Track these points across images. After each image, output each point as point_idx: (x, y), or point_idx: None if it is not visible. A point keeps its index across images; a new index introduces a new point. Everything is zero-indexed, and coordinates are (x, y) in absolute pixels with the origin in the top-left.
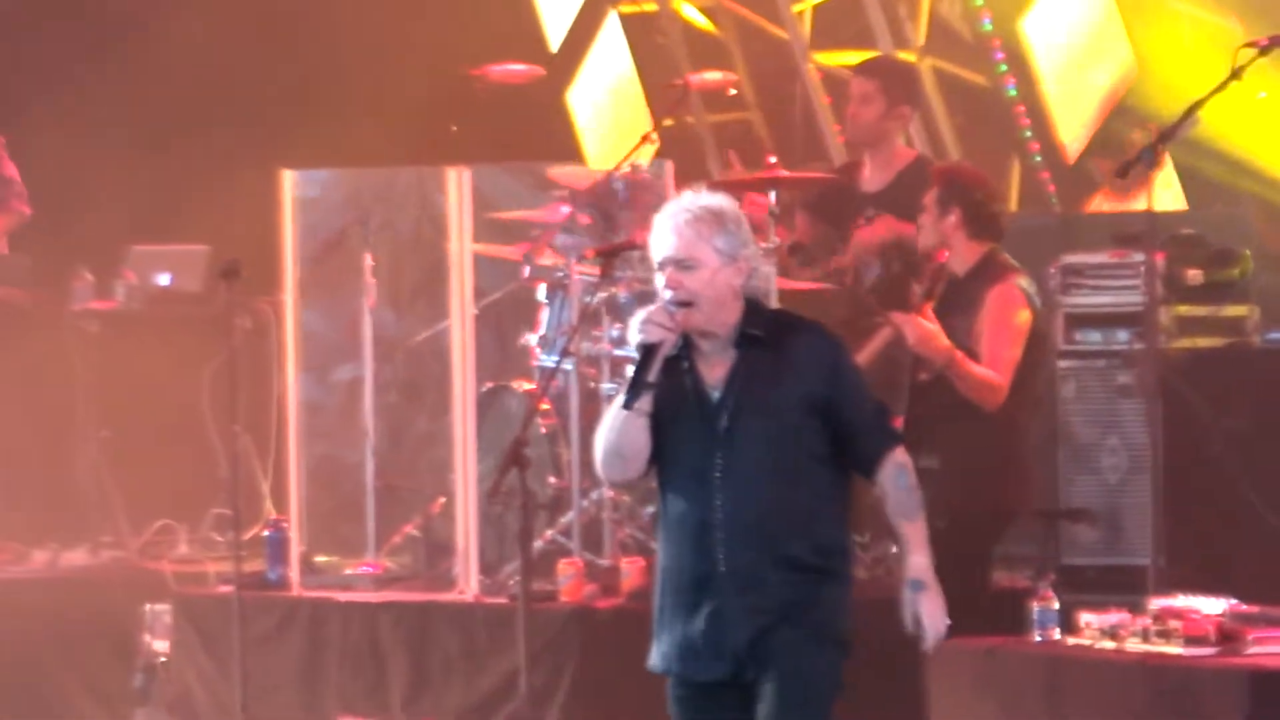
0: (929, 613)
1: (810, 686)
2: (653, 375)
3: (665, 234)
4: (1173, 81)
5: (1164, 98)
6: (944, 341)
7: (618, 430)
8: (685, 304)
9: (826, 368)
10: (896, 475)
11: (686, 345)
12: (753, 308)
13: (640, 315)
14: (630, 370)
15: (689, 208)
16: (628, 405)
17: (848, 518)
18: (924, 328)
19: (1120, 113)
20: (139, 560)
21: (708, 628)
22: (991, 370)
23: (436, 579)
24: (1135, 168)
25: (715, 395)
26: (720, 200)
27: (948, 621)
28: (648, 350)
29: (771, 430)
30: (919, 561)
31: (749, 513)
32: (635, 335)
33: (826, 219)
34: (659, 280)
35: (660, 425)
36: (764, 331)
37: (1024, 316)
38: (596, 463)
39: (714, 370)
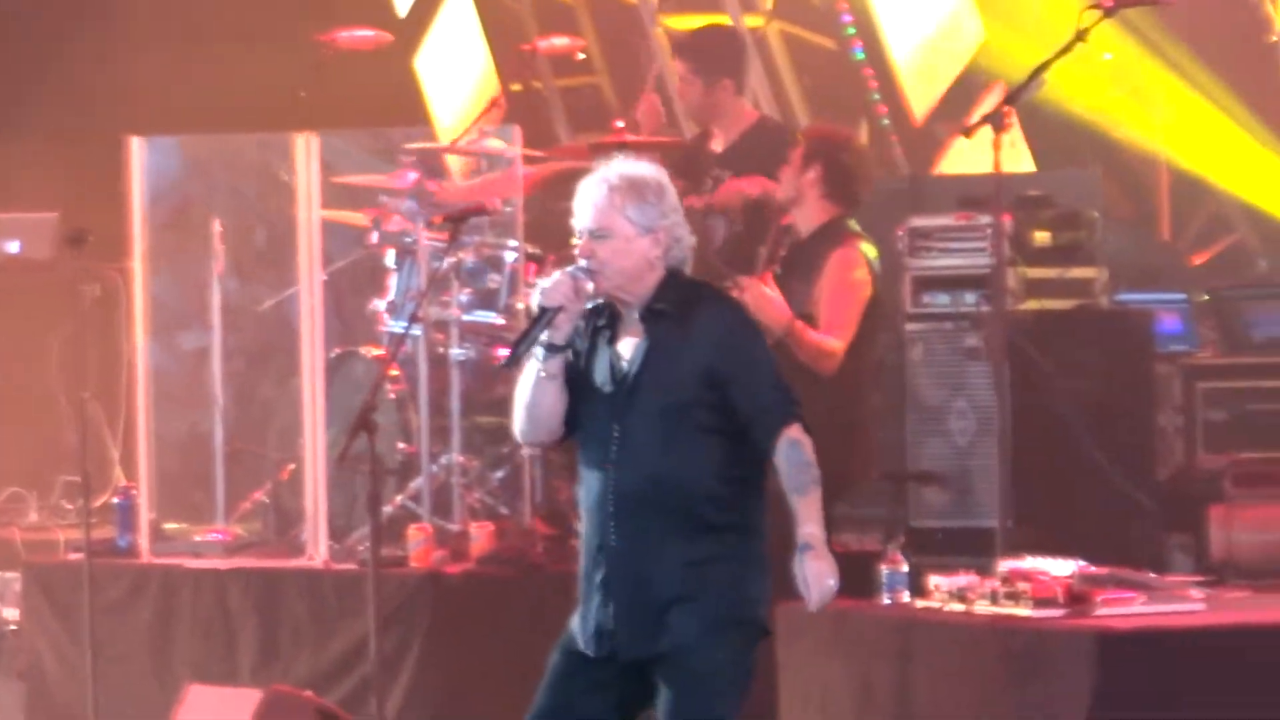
0: (814, 573)
1: (707, 678)
2: (549, 338)
3: (583, 202)
4: (1019, 43)
5: (1011, 60)
6: (783, 309)
7: (529, 392)
8: (590, 272)
9: (725, 341)
10: (789, 450)
11: (613, 315)
12: (670, 279)
13: (548, 279)
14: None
15: (607, 177)
16: (508, 364)
17: (753, 493)
18: (763, 294)
19: (967, 75)
20: None
21: (599, 601)
22: (829, 336)
23: (286, 545)
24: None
25: (623, 365)
26: (643, 170)
27: (835, 583)
28: (543, 313)
29: (667, 404)
30: (809, 529)
31: (638, 486)
32: (536, 296)
33: (686, 180)
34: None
35: (580, 393)
36: (672, 305)
37: (864, 283)
38: (514, 425)
39: (628, 341)
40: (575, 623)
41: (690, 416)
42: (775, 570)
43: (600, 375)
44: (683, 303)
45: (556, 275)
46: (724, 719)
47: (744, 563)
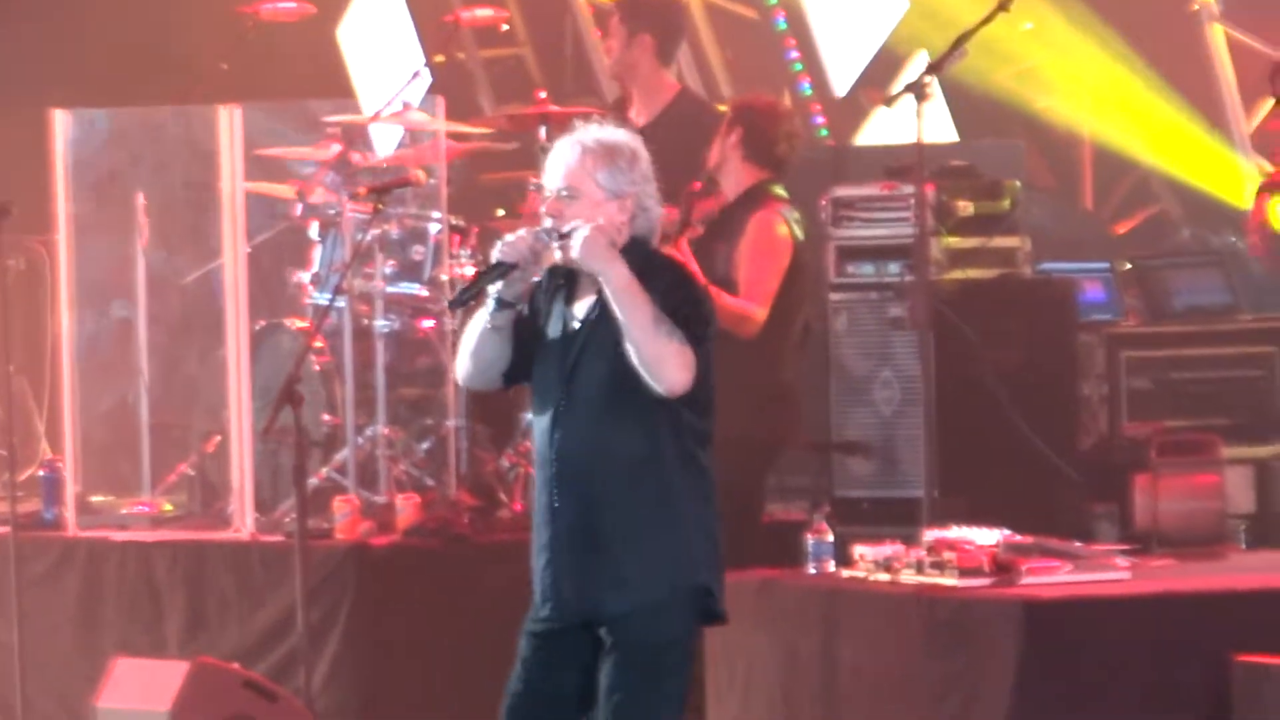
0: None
1: (649, 649)
2: (501, 293)
3: (555, 164)
4: (941, 13)
5: (933, 29)
6: (696, 275)
7: (475, 339)
8: (558, 234)
9: (671, 312)
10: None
11: (571, 274)
12: (632, 247)
13: (513, 234)
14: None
15: (582, 139)
16: (451, 306)
17: (698, 464)
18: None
19: (890, 45)
20: None
21: (544, 566)
22: (747, 300)
23: (212, 518)
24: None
25: (574, 326)
26: (618, 135)
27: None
28: (497, 266)
29: (612, 370)
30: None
31: (579, 451)
32: (497, 248)
33: None
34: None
35: (534, 348)
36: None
37: (784, 246)
38: (457, 365)
39: (583, 304)
40: (536, 586)
41: (636, 383)
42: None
43: (553, 334)
44: (639, 271)
45: (520, 232)
46: (666, 695)
47: (688, 534)
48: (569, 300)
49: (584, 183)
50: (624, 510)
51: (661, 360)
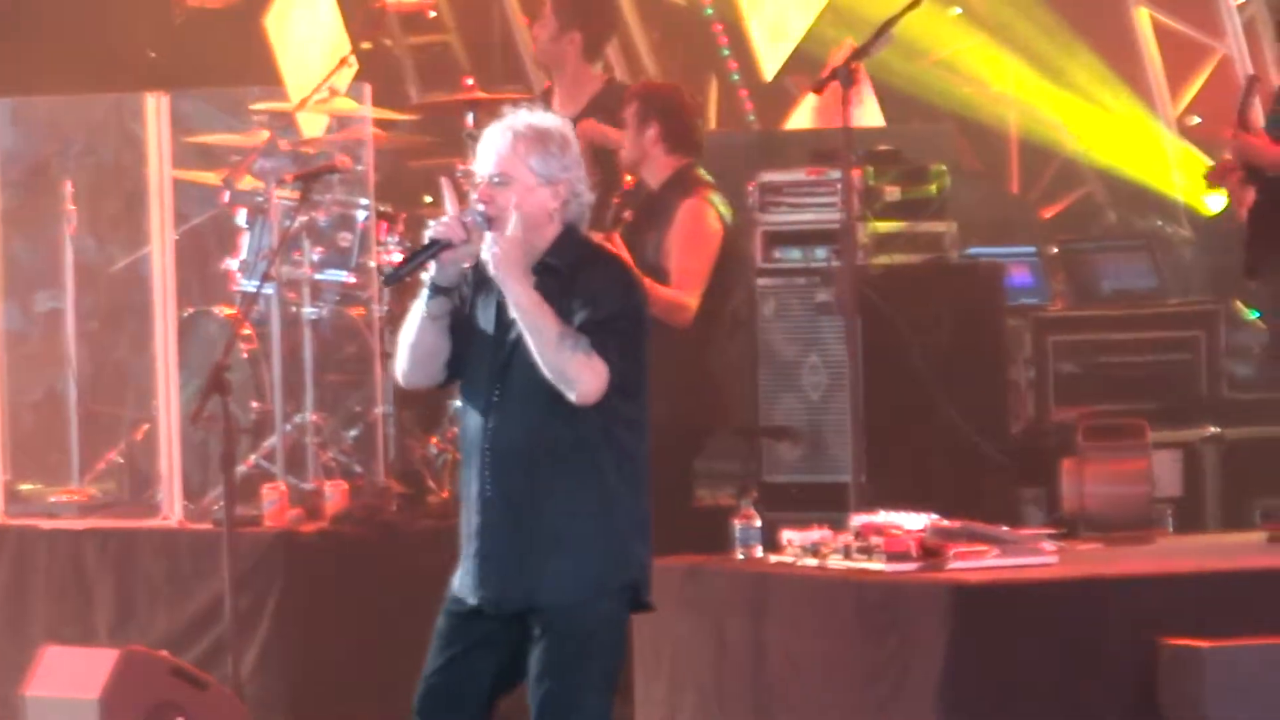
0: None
1: (579, 639)
2: (434, 278)
3: (486, 149)
4: None
5: (860, 15)
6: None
7: (413, 332)
8: (489, 218)
9: (593, 294)
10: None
11: None
12: (566, 235)
13: (445, 217)
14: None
15: (514, 125)
16: (386, 281)
17: (633, 456)
18: None
19: (817, 30)
20: None
21: (475, 552)
22: (679, 289)
23: (141, 505)
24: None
25: (509, 316)
26: (549, 121)
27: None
28: (431, 244)
29: None
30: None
31: (514, 438)
32: (430, 228)
33: None
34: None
35: (467, 340)
36: (562, 261)
37: (715, 233)
38: (396, 364)
39: None
40: (457, 578)
41: None
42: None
43: (486, 323)
44: (573, 261)
45: (453, 212)
46: (595, 682)
47: (621, 525)
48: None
49: (516, 168)
50: (556, 501)
51: (567, 374)
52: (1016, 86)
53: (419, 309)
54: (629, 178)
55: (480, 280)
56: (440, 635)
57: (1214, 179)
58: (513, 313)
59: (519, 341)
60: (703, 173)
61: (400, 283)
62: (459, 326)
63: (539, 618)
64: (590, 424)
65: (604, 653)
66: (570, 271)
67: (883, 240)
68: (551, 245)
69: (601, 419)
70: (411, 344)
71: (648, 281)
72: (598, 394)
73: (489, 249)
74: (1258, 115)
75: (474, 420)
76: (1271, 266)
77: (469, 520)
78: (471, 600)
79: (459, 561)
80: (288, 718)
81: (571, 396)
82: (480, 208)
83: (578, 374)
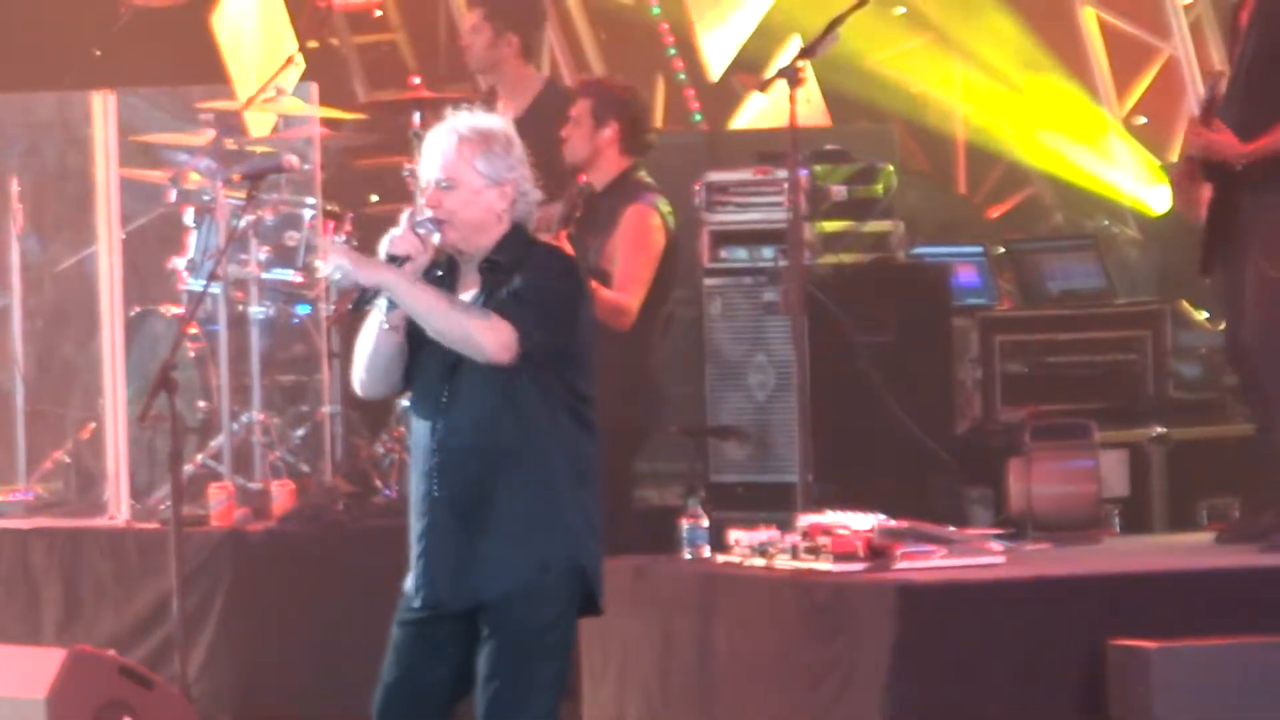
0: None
1: (529, 636)
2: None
3: (431, 153)
4: None
5: (807, 14)
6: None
7: (371, 344)
8: (439, 222)
9: (524, 278)
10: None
11: (451, 265)
12: (513, 234)
13: (395, 229)
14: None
15: (457, 128)
16: (353, 310)
17: (583, 453)
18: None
19: (763, 29)
20: None
21: (421, 553)
22: (623, 293)
23: (87, 505)
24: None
25: None
26: (492, 122)
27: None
28: (390, 261)
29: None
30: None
31: (462, 441)
32: (384, 247)
33: None
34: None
35: (414, 342)
36: (508, 259)
37: (658, 239)
38: (353, 376)
39: (466, 294)
40: (408, 581)
41: (520, 373)
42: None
43: None
44: (519, 258)
45: (405, 225)
46: (544, 681)
47: (566, 520)
48: (451, 289)
49: (462, 172)
50: (503, 498)
51: (469, 336)
52: (962, 87)
53: (376, 321)
54: (581, 177)
55: (432, 281)
56: (396, 644)
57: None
58: (400, 303)
59: None
60: (645, 176)
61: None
62: (410, 330)
63: (487, 617)
64: (539, 424)
65: (551, 649)
66: (515, 265)
67: (829, 240)
68: (497, 244)
69: (552, 415)
70: (371, 355)
71: (592, 283)
72: (505, 349)
73: (331, 268)
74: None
75: (422, 422)
76: (1226, 263)
77: (416, 522)
78: (416, 602)
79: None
80: (235, 717)
81: (482, 358)
82: (429, 213)
83: (479, 333)
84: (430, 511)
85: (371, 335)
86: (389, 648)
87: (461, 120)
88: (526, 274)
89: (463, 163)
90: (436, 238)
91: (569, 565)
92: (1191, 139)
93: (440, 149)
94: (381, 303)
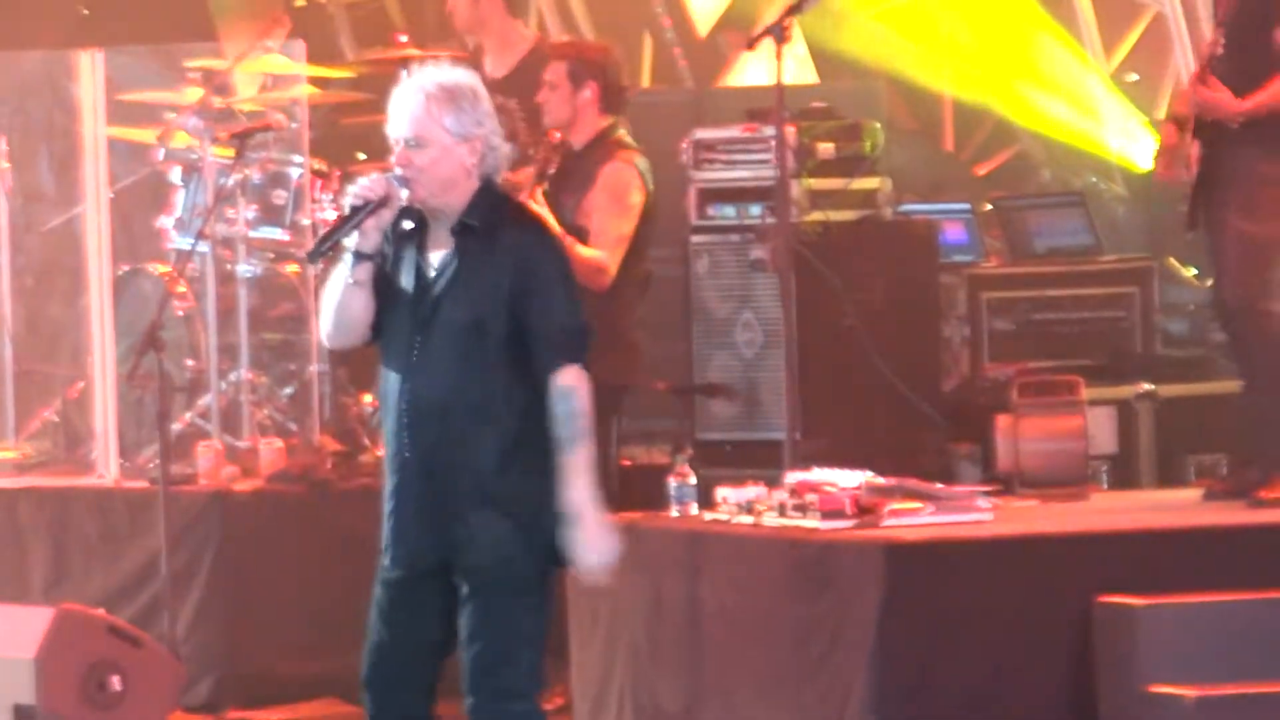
0: (587, 545)
1: (505, 595)
2: (357, 245)
3: (398, 111)
4: None
5: None
6: (553, 226)
7: (337, 297)
8: (406, 181)
9: (526, 264)
10: (560, 397)
11: (421, 222)
12: (484, 191)
13: (362, 178)
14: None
15: (423, 85)
16: (310, 258)
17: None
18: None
19: None
20: None
21: (391, 511)
22: (600, 251)
23: (76, 464)
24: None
25: (430, 275)
26: (458, 76)
27: (610, 552)
28: (353, 212)
29: (469, 319)
30: (577, 495)
31: (431, 400)
32: (349, 195)
33: None
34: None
35: (385, 297)
36: (482, 221)
37: (636, 198)
38: (320, 326)
39: (438, 252)
40: (385, 533)
41: (491, 333)
42: None
43: (406, 282)
44: (492, 221)
45: (373, 175)
46: (525, 639)
47: (541, 483)
48: (421, 248)
49: (431, 130)
50: (474, 457)
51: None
52: (949, 43)
53: (342, 275)
54: (557, 135)
55: (400, 237)
56: (379, 607)
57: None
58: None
59: (439, 300)
60: (625, 135)
61: (324, 256)
62: (381, 285)
63: (467, 577)
64: (511, 380)
65: (530, 607)
66: (489, 230)
67: (817, 197)
68: (469, 204)
69: (522, 374)
70: (337, 308)
71: (567, 241)
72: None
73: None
74: (1182, 60)
75: (393, 379)
76: (1211, 219)
77: (389, 480)
78: (386, 560)
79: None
80: (223, 675)
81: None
82: (398, 171)
83: (589, 412)
84: (400, 470)
85: (338, 289)
86: (372, 608)
87: (427, 76)
88: (536, 271)
89: (431, 120)
90: (405, 195)
91: (541, 523)
92: (1188, 97)
93: (408, 107)
94: (347, 256)
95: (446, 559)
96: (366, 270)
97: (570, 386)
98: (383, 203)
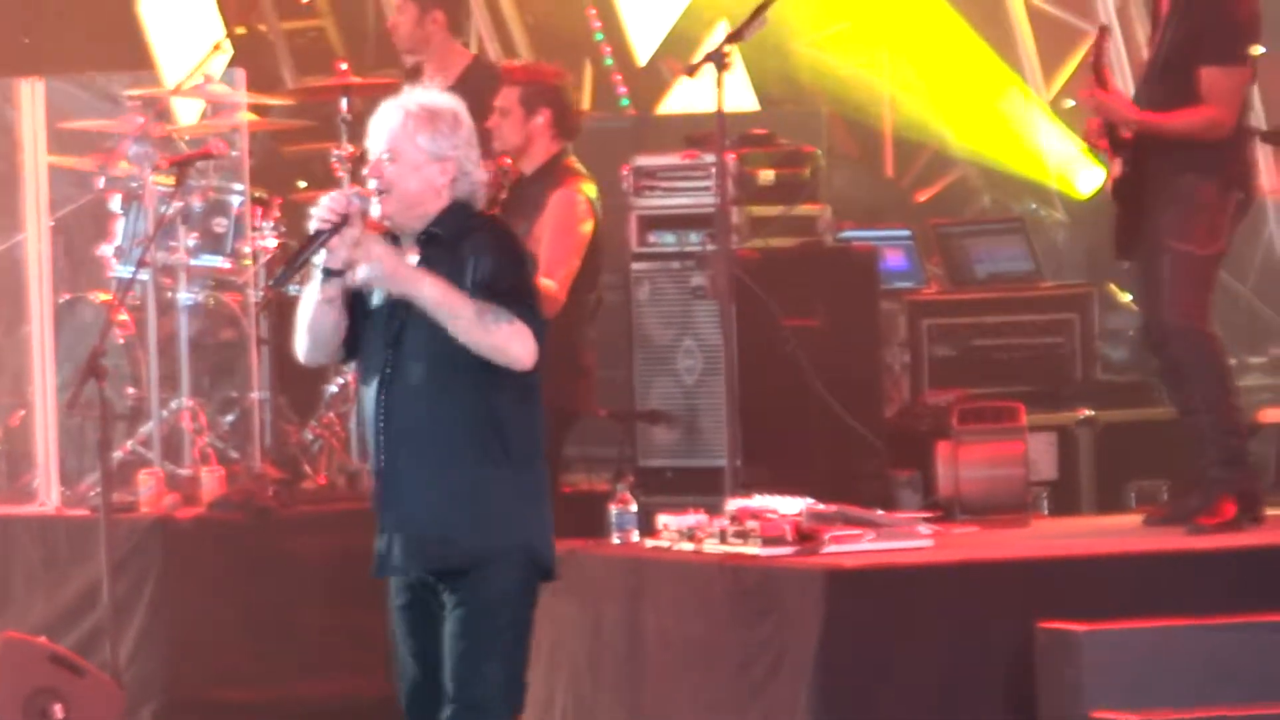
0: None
1: (486, 609)
2: (326, 262)
3: (379, 126)
4: None
5: None
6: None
7: (310, 314)
8: (378, 192)
9: (484, 252)
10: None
11: (393, 239)
12: (453, 209)
13: (324, 198)
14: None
15: (405, 104)
16: (275, 284)
17: (528, 423)
18: None
19: (691, 14)
20: None
21: (381, 526)
22: (549, 280)
23: (17, 492)
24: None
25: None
26: (442, 100)
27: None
28: (315, 235)
29: (438, 333)
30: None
31: (407, 413)
32: (315, 216)
33: None
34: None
35: (359, 317)
36: (446, 230)
37: (586, 225)
38: (295, 344)
39: None
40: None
41: (461, 346)
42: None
43: (377, 299)
44: (458, 230)
45: (334, 194)
46: (505, 654)
47: (514, 492)
48: None
49: (404, 145)
50: (451, 471)
51: (499, 348)
52: (889, 70)
53: (313, 292)
54: (508, 160)
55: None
56: (398, 632)
57: (1091, 144)
58: (427, 310)
59: (410, 314)
60: (575, 161)
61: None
62: (352, 301)
63: (446, 591)
64: (484, 394)
65: (510, 622)
66: (454, 238)
67: (757, 224)
68: (436, 218)
69: (495, 388)
70: (310, 325)
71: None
72: (533, 355)
73: (366, 273)
74: (1112, 71)
75: (369, 394)
76: (1140, 247)
77: (375, 496)
78: (372, 572)
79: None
80: (165, 702)
81: (510, 365)
82: (372, 183)
83: (507, 343)
84: (383, 485)
85: (310, 306)
86: (394, 635)
87: (412, 97)
88: (494, 253)
89: (405, 136)
90: (376, 208)
91: (517, 537)
92: (1085, 98)
93: (387, 123)
94: (317, 275)
95: (431, 571)
96: (336, 287)
97: (503, 314)
98: (345, 220)
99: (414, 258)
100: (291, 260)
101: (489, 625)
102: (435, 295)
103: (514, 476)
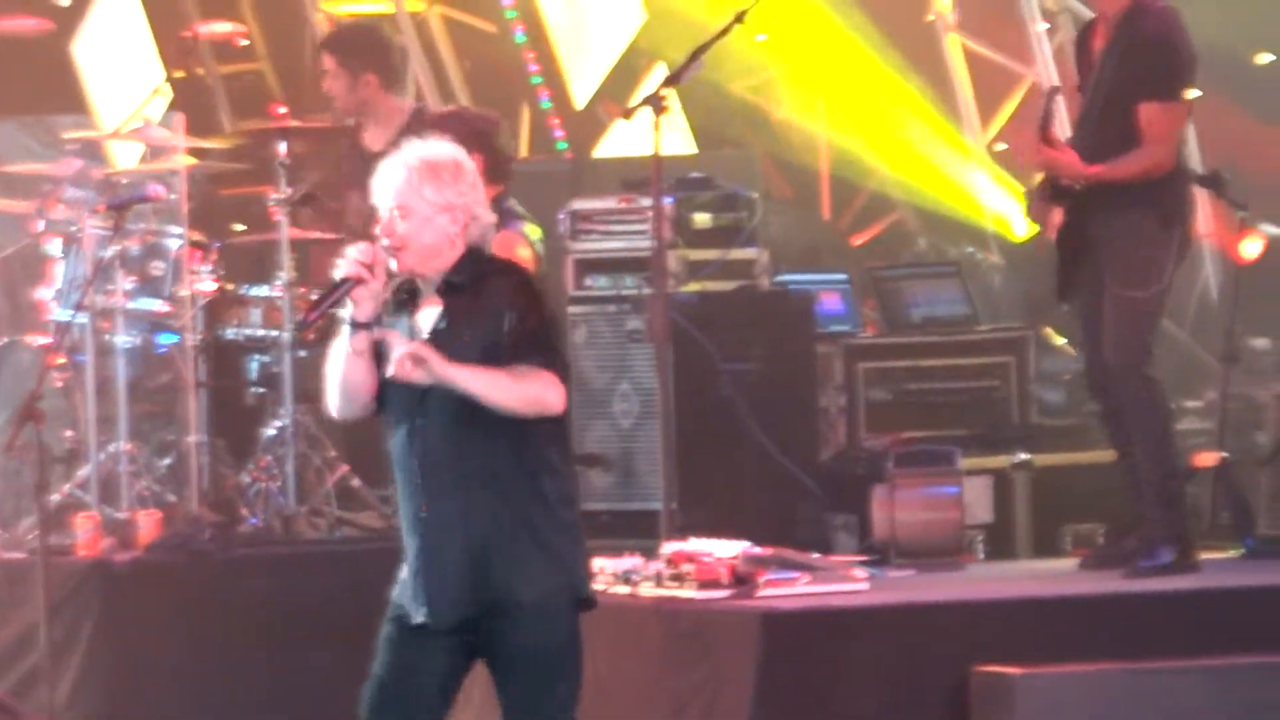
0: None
1: (542, 654)
2: (352, 315)
3: (383, 185)
4: (679, 25)
5: (671, 42)
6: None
7: (339, 367)
8: (392, 250)
9: (503, 306)
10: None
11: (414, 290)
12: (468, 255)
13: (351, 249)
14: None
15: (406, 160)
16: (298, 329)
17: (558, 460)
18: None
19: (628, 57)
20: None
21: (416, 572)
22: None
23: None
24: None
25: (421, 336)
26: (442, 151)
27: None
28: (340, 284)
29: None
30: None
31: (440, 460)
32: (338, 269)
33: (330, 166)
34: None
35: (387, 367)
36: (465, 278)
37: (527, 265)
38: (327, 399)
39: (427, 313)
40: (397, 591)
41: None
42: None
43: (402, 348)
44: (477, 276)
45: (361, 246)
46: (560, 700)
47: (555, 536)
48: (413, 312)
49: (413, 200)
50: (491, 518)
51: (534, 405)
52: (825, 114)
53: (342, 346)
54: None
55: (397, 305)
56: (388, 643)
57: (1034, 206)
58: (468, 392)
59: None
60: (514, 203)
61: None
62: (381, 353)
63: (494, 639)
64: (514, 438)
65: (566, 668)
66: (474, 284)
67: (694, 267)
68: (454, 266)
69: (524, 433)
70: (340, 381)
71: None
72: (564, 399)
73: (398, 365)
74: (1060, 128)
75: (400, 443)
76: (1082, 289)
77: (409, 541)
78: (417, 618)
79: (399, 573)
80: None
81: (544, 414)
82: (384, 241)
83: (541, 396)
84: (419, 533)
85: (339, 361)
86: (380, 645)
87: (413, 151)
88: (516, 301)
89: (412, 191)
90: (394, 264)
91: (564, 581)
92: (1031, 155)
93: (391, 181)
94: (345, 328)
95: (470, 611)
96: (364, 340)
97: (536, 370)
98: (369, 272)
99: (437, 308)
100: (314, 305)
101: (551, 675)
102: (467, 379)
103: (551, 519)
